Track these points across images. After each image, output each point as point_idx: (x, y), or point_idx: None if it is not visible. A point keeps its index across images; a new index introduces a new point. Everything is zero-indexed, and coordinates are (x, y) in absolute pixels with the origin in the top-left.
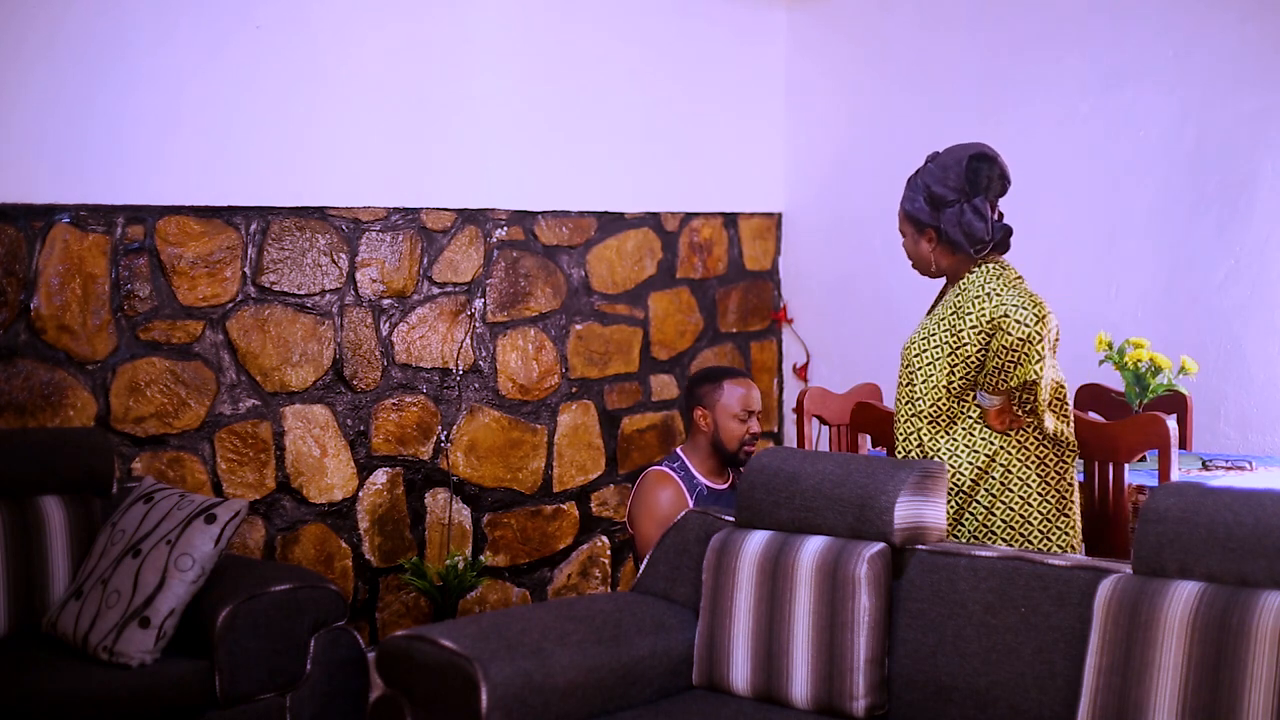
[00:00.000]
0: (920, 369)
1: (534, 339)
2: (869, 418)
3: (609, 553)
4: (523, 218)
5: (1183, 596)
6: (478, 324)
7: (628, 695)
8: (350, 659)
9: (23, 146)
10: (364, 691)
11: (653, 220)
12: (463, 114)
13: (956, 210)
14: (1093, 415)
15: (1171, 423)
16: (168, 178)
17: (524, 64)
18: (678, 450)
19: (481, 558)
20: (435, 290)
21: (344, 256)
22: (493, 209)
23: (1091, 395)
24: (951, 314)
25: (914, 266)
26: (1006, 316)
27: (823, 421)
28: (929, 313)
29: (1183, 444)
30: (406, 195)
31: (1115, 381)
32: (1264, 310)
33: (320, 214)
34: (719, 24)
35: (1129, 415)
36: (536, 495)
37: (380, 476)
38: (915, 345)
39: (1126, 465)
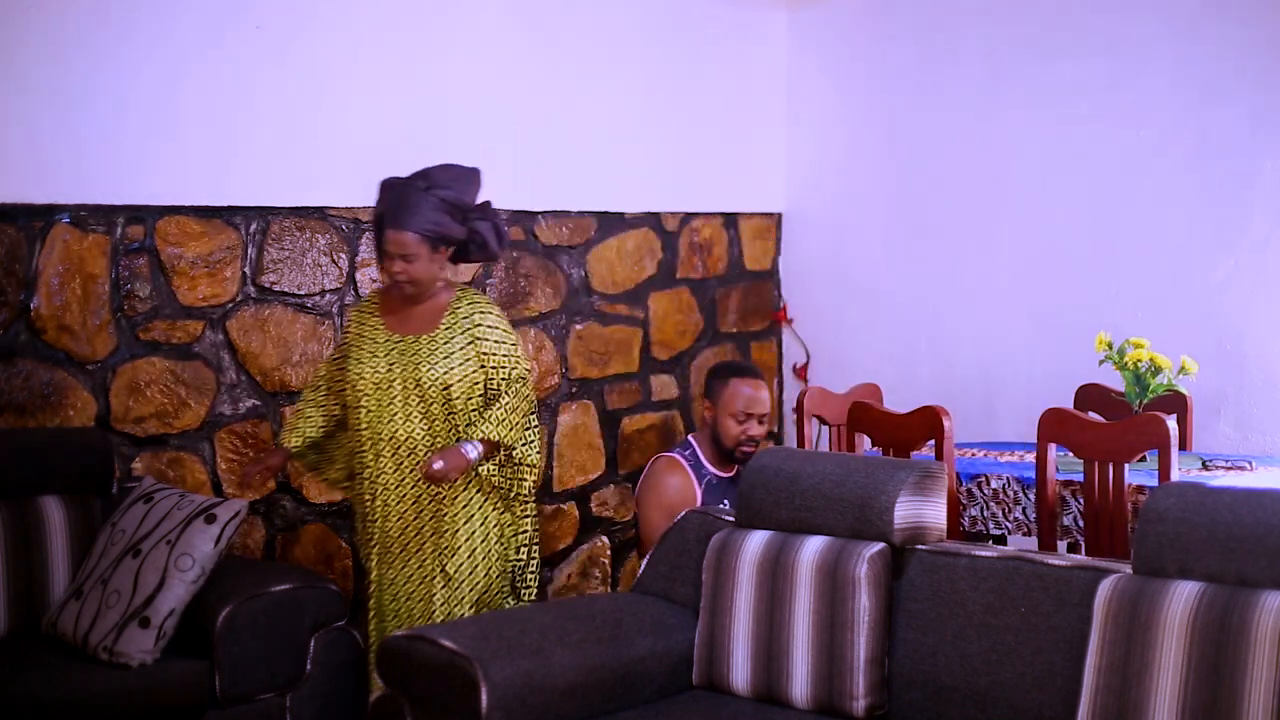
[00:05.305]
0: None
1: (534, 339)
2: (868, 418)
3: (609, 553)
4: (523, 218)
5: (1183, 596)
6: None
7: (628, 695)
8: (350, 659)
9: (23, 146)
10: (364, 691)
11: (653, 220)
12: (463, 114)
13: (482, 213)
14: (1093, 415)
15: (1171, 423)
16: (168, 178)
17: (524, 64)
18: (689, 437)
19: None
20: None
21: (344, 256)
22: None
23: (1091, 395)
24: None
25: (409, 290)
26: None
27: (823, 421)
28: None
29: (1183, 444)
30: None
31: (1115, 381)
32: (1264, 310)
33: (320, 214)
34: (719, 24)
35: (1129, 415)
36: (536, 495)
37: None
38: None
39: (1126, 465)
